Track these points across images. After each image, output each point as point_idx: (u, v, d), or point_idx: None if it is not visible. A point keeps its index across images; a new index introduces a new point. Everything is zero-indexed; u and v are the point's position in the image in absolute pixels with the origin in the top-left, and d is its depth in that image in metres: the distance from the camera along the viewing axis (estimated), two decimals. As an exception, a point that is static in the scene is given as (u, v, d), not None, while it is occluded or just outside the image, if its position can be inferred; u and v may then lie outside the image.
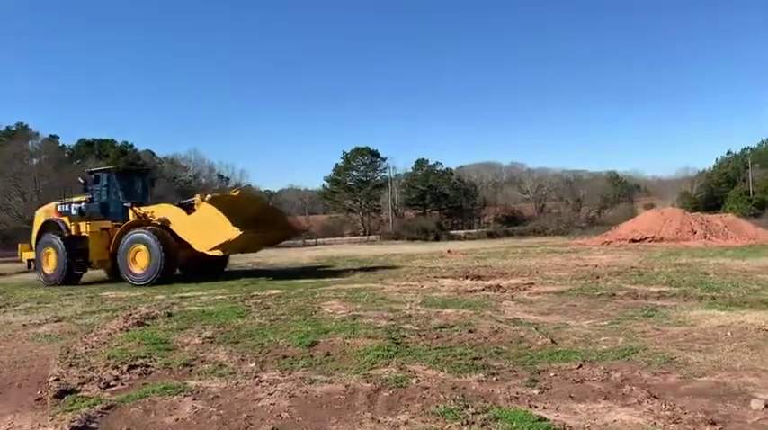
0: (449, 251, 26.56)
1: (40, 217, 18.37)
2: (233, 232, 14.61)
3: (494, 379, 5.12)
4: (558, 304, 9.40)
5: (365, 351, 6.22)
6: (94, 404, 4.68)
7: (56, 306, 11.11)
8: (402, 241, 48.72)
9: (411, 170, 70.48)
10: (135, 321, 8.56)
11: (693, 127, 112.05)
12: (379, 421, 4.17)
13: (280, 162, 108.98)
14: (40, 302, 11.85)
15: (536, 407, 4.33)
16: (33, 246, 17.92)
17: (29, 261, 18.25)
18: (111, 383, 5.35)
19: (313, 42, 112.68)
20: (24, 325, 8.96)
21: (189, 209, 16.32)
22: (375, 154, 72.32)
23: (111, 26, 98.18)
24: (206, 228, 15.22)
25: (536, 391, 4.72)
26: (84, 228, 16.59)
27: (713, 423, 3.89)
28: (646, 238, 29.20)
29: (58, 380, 5.45)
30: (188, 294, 12.34)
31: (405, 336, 6.99)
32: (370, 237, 56.91)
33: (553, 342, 6.57)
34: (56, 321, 9.16)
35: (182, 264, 16.78)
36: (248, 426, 4.21)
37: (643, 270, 14.73)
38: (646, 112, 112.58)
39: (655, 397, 4.47)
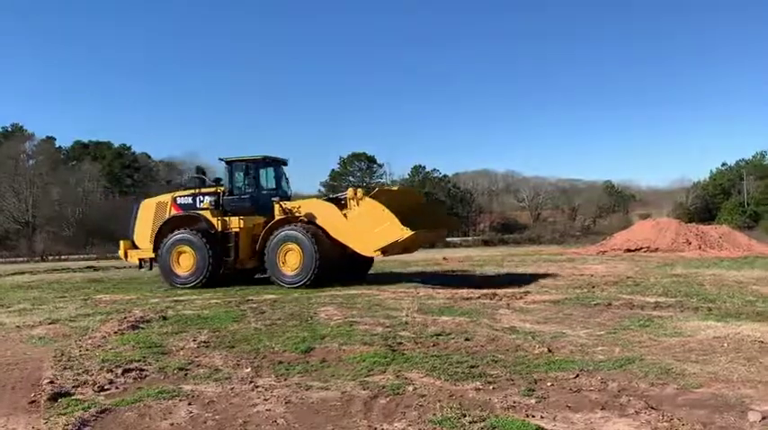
0: (444, 258, 26.55)
1: (150, 210, 16.45)
2: (402, 231, 13.01)
3: (491, 387, 5.10)
4: (555, 313, 9.39)
5: (361, 357, 6.20)
6: (89, 407, 4.65)
7: (50, 308, 11.05)
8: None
9: (408, 176, 70.57)
10: (130, 324, 8.52)
11: (689, 138, 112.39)
12: (375, 429, 4.15)
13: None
14: (34, 304, 11.78)
15: (533, 416, 4.32)
16: (139, 241, 16.26)
17: (140, 260, 16.47)
18: (105, 387, 5.31)
19: (311, 47, 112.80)
20: (18, 327, 8.90)
21: (339, 204, 14.74)
22: (372, 159, 72.45)
23: (110, 27, 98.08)
24: (369, 227, 13.51)
25: (533, 400, 4.71)
26: (236, 223, 15.07)
27: (711, 434, 3.88)
28: (641, 248, 29.25)
29: (51, 383, 5.41)
30: (183, 298, 12.29)
31: (401, 343, 6.97)
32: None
33: (550, 351, 6.56)
34: (50, 323, 9.10)
35: (333, 266, 14.81)
36: (244, 432, 4.18)
37: (639, 280, 14.74)
38: (642, 122, 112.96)
39: (652, 407, 4.45)
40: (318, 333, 7.69)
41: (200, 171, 16.75)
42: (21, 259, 36.19)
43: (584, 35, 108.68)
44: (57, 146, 57.89)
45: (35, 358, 6.66)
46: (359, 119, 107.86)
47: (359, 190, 14.36)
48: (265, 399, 4.88)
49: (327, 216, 14.49)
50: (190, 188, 16.61)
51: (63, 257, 37.32)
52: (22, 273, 22.69)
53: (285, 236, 14.22)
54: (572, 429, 4.08)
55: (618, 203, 74.23)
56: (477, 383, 5.22)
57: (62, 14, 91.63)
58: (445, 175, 71.80)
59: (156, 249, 15.47)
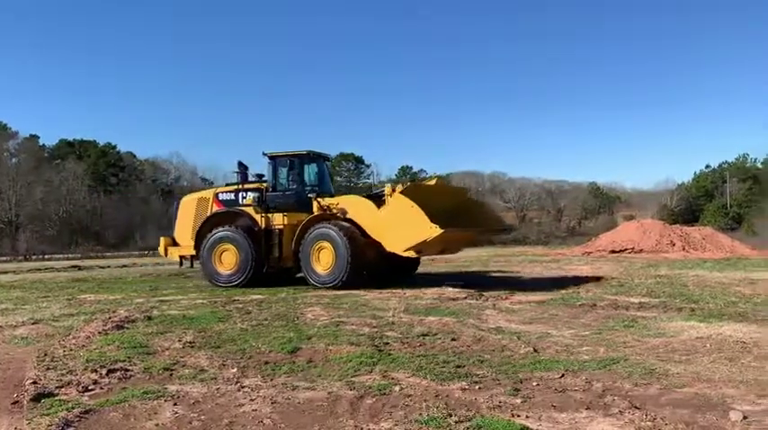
0: (432, 259, 26.58)
1: (191, 207, 16.06)
2: (431, 230, 12.22)
3: (477, 387, 5.12)
4: (540, 313, 9.45)
5: (348, 358, 6.21)
6: (72, 408, 4.61)
7: (33, 308, 10.93)
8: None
9: (395, 177, 70.68)
10: (114, 324, 8.45)
11: (673, 140, 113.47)
12: (362, 429, 4.16)
13: (260, 166, 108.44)
14: (17, 304, 11.64)
15: (519, 416, 4.34)
16: (180, 238, 15.88)
17: (181, 258, 16.07)
18: (89, 387, 5.27)
19: (297, 47, 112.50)
20: (0, 327, 8.80)
21: (379, 201, 14.16)
22: (359, 160, 72.44)
23: (94, 25, 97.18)
24: (399, 225, 12.86)
25: (519, 400, 4.73)
26: (280, 220, 14.59)
27: (693, 434, 3.93)
28: (626, 249, 29.50)
29: (35, 383, 5.36)
30: (168, 298, 12.22)
31: (388, 344, 6.98)
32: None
33: (535, 351, 6.60)
34: (33, 323, 9.01)
35: (369, 265, 14.23)
36: (230, 433, 4.17)
37: (623, 280, 14.87)
38: (627, 124, 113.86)
39: (636, 407, 4.50)
40: (305, 333, 7.68)
41: (242, 166, 15.97)
42: (4, 258, 35.71)
43: (573, 35, 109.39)
44: (41, 144, 57.31)
45: (18, 358, 6.59)
46: (347, 119, 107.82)
47: (398, 186, 13.73)
48: (251, 400, 4.86)
49: (364, 213, 13.97)
50: (232, 184, 16.04)
51: (47, 257, 36.91)
52: (5, 272, 22.43)
53: (319, 233, 13.72)
54: (557, 429, 4.11)
55: (603, 205, 74.79)
56: (463, 383, 5.24)
57: (46, 13, 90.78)
58: (432, 176, 72.05)
59: (197, 247, 15.06)
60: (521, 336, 7.39)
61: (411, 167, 71.14)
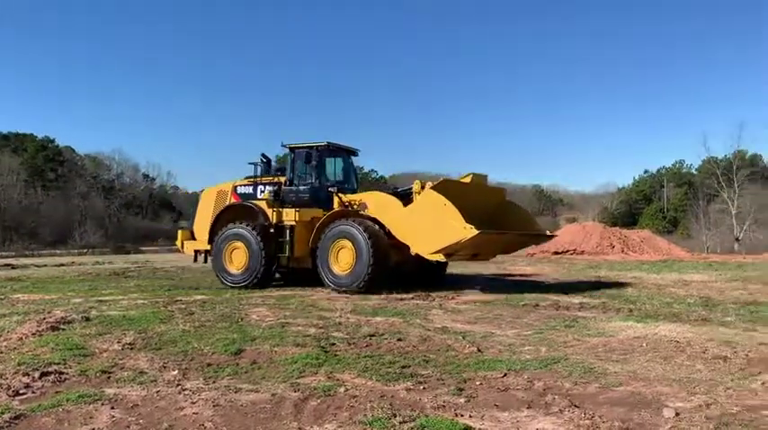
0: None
1: (210, 199, 15.32)
2: (466, 230, 11.14)
3: (421, 387, 5.15)
4: (485, 313, 9.59)
5: (293, 359, 6.14)
6: (2, 413, 4.40)
7: (-39, 308, 10.40)
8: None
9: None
10: (49, 325, 8.10)
11: (615, 144, 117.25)
12: (305, 430, 4.12)
13: (210, 163, 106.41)
14: (-56, 304, 11.06)
15: (462, 415, 4.39)
16: (197, 232, 15.08)
17: (196, 252, 15.20)
18: (20, 391, 5.04)
19: (245, 41, 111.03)
20: (-76, 328, 8.33)
21: (405, 199, 13.07)
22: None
23: (35, 9, 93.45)
24: (429, 225, 11.77)
25: (462, 400, 4.79)
26: (292, 216, 13.55)
27: (629, 430, 4.05)
28: (568, 251, 30.30)
29: (-39, 387, 5.10)
30: (107, 298, 11.83)
31: (334, 344, 6.95)
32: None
33: (479, 351, 6.69)
34: (-40, 324, 8.57)
35: (392, 269, 13.04)
36: (169, 437, 4.07)
37: (565, 281, 15.23)
38: (570, 128, 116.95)
39: (575, 406, 4.61)
40: (249, 334, 7.56)
41: (265, 157, 15.06)
42: (-70, 256, 33.92)
43: (515, 35, 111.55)
44: (-27, 136, 54.74)
45: (-57, 362, 6.26)
46: (301, 116, 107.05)
47: (428, 182, 12.65)
48: (193, 403, 4.75)
49: (389, 211, 12.89)
50: (251, 177, 15.16)
51: (-23, 255, 35.24)
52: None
53: (339, 231, 12.69)
54: (499, 427, 4.17)
55: (546, 207, 76.66)
56: (409, 383, 5.26)
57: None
58: (382, 176, 72.14)
59: (210, 241, 14.31)
60: (466, 336, 7.48)
61: (362, 167, 70.96)
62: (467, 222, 11.19)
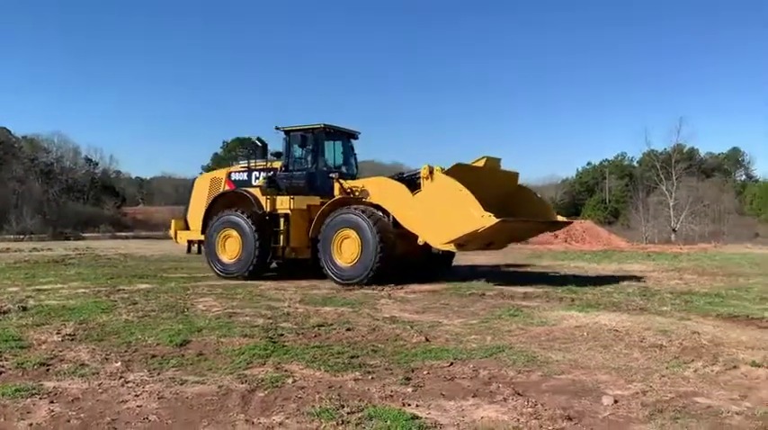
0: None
1: (203, 187, 14.82)
2: (484, 219, 10.49)
3: (370, 377, 5.19)
4: (433, 302, 9.71)
5: (240, 350, 6.09)
6: (-68, 410, 4.22)
7: None
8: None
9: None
10: (-17, 316, 7.81)
11: (559, 137, 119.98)
12: (253, 423, 4.10)
13: (152, 147, 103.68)
14: None
15: (409, 405, 4.45)
16: (191, 221, 14.57)
17: (189, 243, 14.74)
18: (-48, 386, 4.84)
19: (190, 28, 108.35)
20: None
21: (411, 184, 12.32)
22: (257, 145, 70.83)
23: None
24: (442, 212, 11.08)
25: (410, 389, 4.85)
26: (286, 203, 12.95)
27: (569, 418, 4.19)
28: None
29: None
30: (46, 287, 11.44)
31: (282, 335, 6.91)
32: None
33: (427, 340, 6.78)
34: None
35: (399, 260, 12.40)
36: (112, 431, 3.98)
37: (510, 270, 15.56)
38: (516, 119, 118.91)
39: (519, 394, 4.74)
40: (195, 325, 7.44)
41: (261, 142, 14.42)
42: None
43: (455, 30, 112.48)
44: None
45: None
46: (242, 103, 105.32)
47: (435, 167, 11.71)
48: (136, 395, 4.66)
49: (395, 198, 12.18)
50: (245, 163, 14.75)
51: None
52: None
53: (342, 220, 12.08)
54: (445, 417, 4.24)
55: (494, 197, 77.84)
56: (357, 373, 5.29)
57: None
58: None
59: (204, 231, 13.84)
60: (414, 326, 7.56)
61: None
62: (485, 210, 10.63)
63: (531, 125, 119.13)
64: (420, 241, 11.80)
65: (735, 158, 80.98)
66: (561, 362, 5.80)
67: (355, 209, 12.15)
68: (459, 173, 11.50)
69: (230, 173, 14.73)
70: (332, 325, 7.57)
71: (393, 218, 12.17)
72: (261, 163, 14.25)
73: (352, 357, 5.87)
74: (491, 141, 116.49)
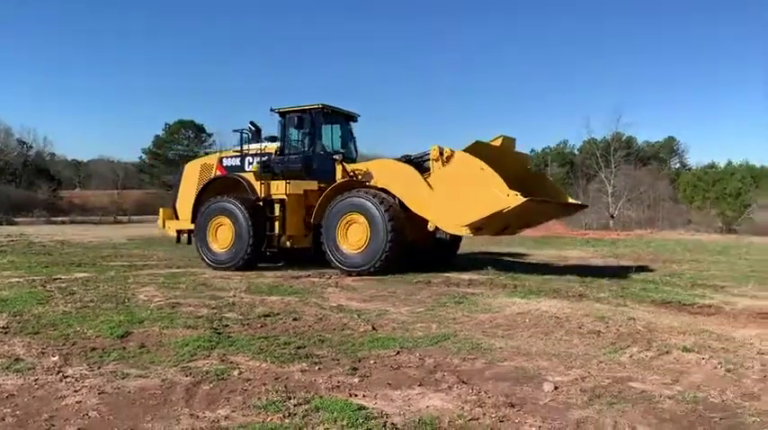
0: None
1: (193, 174, 14.09)
2: (510, 198, 9.88)
3: (316, 368, 5.20)
4: (380, 291, 9.77)
5: (184, 342, 5.99)
6: None
7: None
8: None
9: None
10: None
11: (502, 125, 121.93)
12: (197, 417, 4.05)
13: (90, 129, 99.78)
14: None
15: (356, 395, 4.49)
16: (180, 210, 13.93)
17: (179, 233, 14.09)
18: None
19: (132, 8, 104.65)
20: None
21: (419, 167, 11.82)
22: (201, 128, 69.56)
23: None
24: (461, 193, 10.48)
25: (356, 380, 4.88)
26: (282, 188, 12.30)
27: (512, 405, 4.31)
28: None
29: None
30: (-24, 276, 10.94)
31: (227, 326, 6.83)
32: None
33: (374, 329, 6.83)
34: None
35: (409, 246, 11.77)
36: (50, 428, 3.86)
37: (459, 255, 15.77)
38: (455, 106, 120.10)
39: (463, 382, 4.84)
40: (137, 316, 7.26)
41: (254, 126, 13.93)
42: None
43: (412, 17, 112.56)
44: None
45: None
46: (186, 86, 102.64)
47: (446, 148, 11.11)
48: (75, 391, 4.53)
49: (404, 181, 11.60)
50: (238, 148, 13.95)
51: None
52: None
53: (349, 204, 11.50)
54: (391, 406, 4.30)
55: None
56: (304, 364, 5.29)
57: None
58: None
59: (194, 220, 13.23)
60: (361, 314, 7.60)
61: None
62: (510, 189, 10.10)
63: (477, 111, 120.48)
64: (430, 226, 11.43)
65: (670, 147, 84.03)
66: (504, 349, 5.95)
67: (363, 192, 11.65)
68: (479, 151, 10.96)
69: (222, 158, 14.12)
70: (278, 314, 7.52)
71: (399, 201, 11.73)
72: (254, 147, 13.67)
73: (298, 348, 5.86)
74: (427, 128, 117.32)
